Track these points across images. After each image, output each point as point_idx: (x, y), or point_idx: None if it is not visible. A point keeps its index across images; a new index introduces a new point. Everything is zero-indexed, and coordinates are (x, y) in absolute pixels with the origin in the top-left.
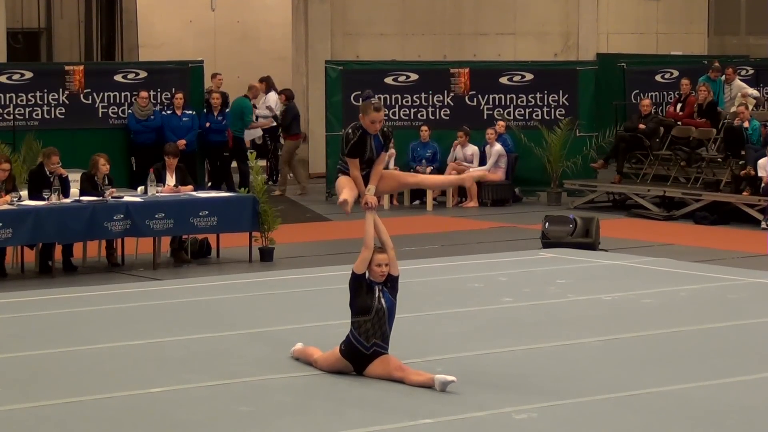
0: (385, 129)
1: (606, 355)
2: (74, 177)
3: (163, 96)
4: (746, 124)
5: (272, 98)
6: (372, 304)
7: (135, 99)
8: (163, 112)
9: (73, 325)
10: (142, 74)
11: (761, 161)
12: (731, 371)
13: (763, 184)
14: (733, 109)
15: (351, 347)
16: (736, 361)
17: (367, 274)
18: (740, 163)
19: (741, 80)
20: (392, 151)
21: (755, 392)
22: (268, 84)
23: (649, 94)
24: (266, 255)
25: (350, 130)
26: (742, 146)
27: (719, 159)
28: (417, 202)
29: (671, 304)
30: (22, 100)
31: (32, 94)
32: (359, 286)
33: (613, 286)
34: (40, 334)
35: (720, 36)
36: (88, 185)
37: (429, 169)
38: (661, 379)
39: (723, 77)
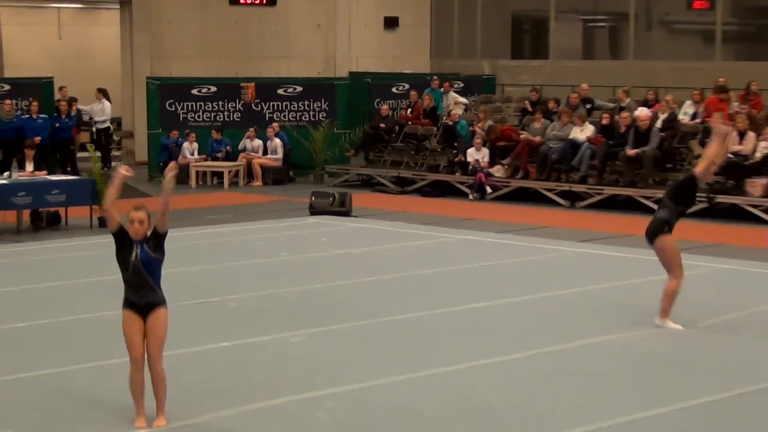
0: None
1: (356, 293)
2: None
3: (23, 104)
4: (452, 123)
5: (107, 105)
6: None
7: (1, 106)
8: (23, 116)
9: None
10: (7, 87)
11: (469, 150)
12: (436, 305)
13: (470, 167)
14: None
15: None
16: (441, 296)
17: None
18: (454, 152)
19: (455, 92)
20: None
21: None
22: (104, 94)
23: (388, 102)
24: (104, 223)
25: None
26: (455, 140)
27: (439, 149)
28: (216, 181)
29: (403, 255)
30: None
31: None
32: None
33: (362, 242)
34: None
35: (439, 59)
36: None
37: (224, 153)
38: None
39: (442, 89)
